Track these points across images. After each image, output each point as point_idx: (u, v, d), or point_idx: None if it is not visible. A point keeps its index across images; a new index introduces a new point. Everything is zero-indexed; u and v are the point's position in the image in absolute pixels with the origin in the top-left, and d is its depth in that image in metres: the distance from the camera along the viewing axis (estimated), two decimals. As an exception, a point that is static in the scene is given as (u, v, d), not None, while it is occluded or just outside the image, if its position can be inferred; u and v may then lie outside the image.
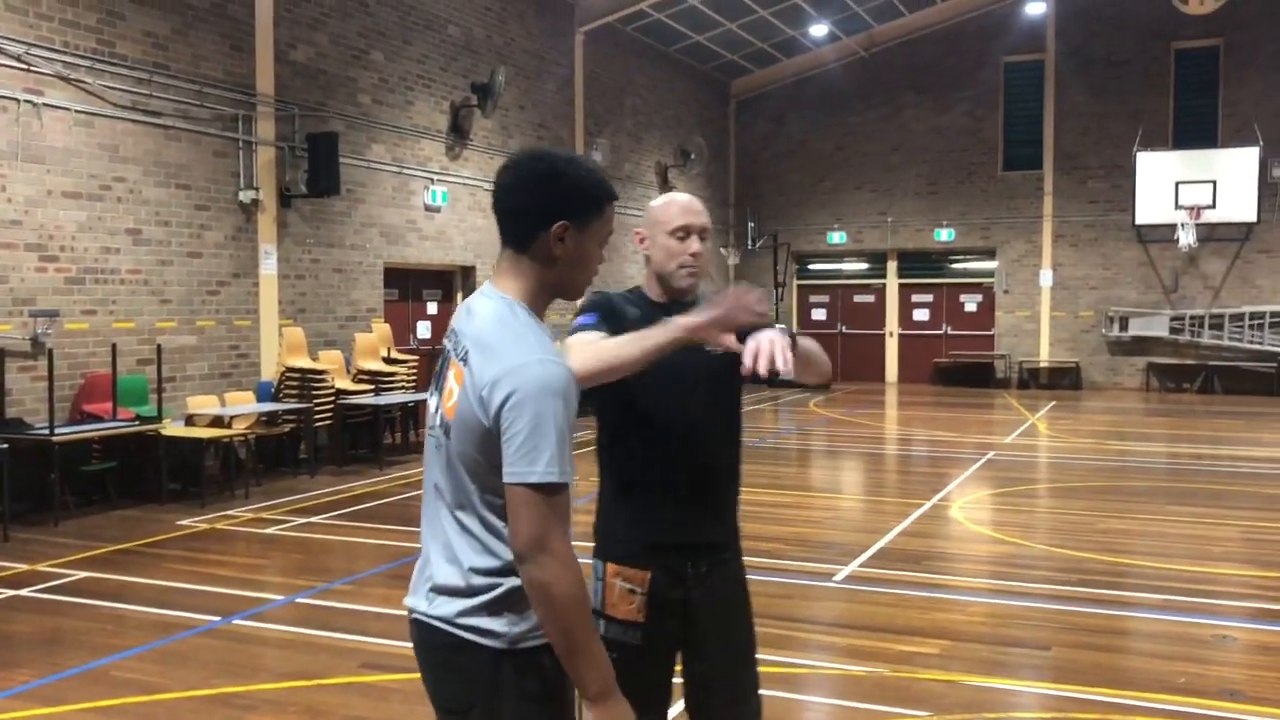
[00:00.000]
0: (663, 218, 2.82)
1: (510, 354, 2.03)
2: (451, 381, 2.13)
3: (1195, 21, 19.71)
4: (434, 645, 2.19)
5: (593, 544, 2.86)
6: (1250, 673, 5.23)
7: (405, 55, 13.98)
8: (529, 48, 16.65)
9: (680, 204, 2.85)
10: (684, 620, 2.78)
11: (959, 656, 5.41)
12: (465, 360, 2.10)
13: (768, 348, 2.49)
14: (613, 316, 2.72)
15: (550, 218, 2.11)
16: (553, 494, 1.99)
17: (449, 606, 2.15)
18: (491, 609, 2.10)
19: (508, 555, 2.07)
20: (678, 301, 2.80)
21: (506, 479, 2.00)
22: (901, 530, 8.40)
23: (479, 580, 2.11)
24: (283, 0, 11.98)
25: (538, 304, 2.17)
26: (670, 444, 2.75)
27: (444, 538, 2.18)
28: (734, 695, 2.83)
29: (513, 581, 2.08)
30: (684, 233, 2.80)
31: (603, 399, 2.74)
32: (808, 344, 2.76)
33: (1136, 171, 20.17)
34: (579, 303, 2.62)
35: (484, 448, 2.04)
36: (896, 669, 5.20)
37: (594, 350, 2.51)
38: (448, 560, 2.16)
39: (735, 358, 2.54)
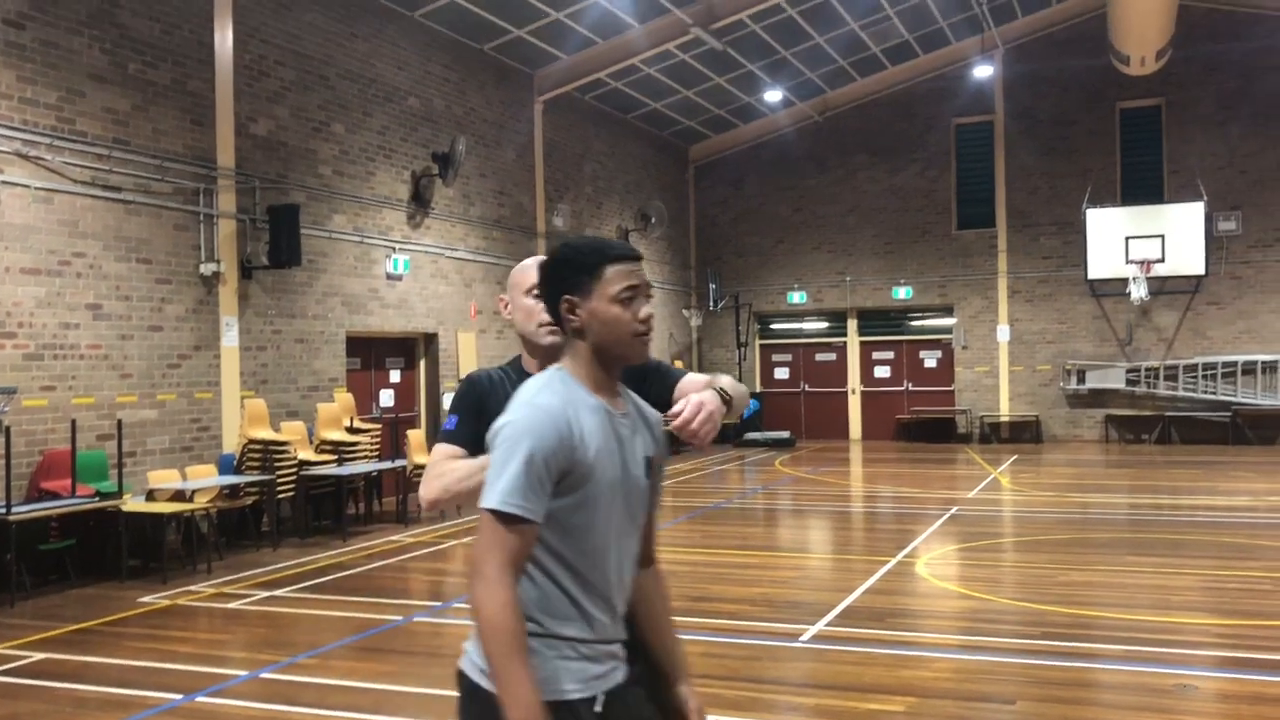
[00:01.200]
0: (519, 280, 2.86)
1: (513, 403, 2.21)
2: None
3: (1137, 82, 20.34)
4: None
5: None
6: (1212, 721, 5.28)
7: (366, 126, 14.12)
8: (489, 117, 16.87)
9: (533, 265, 2.83)
10: None
11: (926, 713, 5.43)
12: None
13: (704, 422, 2.48)
14: (479, 413, 2.66)
15: (557, 298, 2.29)
16: (504, 522, 2.09)
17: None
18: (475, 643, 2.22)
19: None
20: (546, 352, 2.78)
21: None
22: (867, 588, 8.44)
23: None
24: (243, 75, 12.10)
25: (596, 373, 2.29)
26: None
27: None
28: None
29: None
30: (539, 291, 2.79)
31: None
32: (731, 393, 2.66)
33: (1087, 227, 20.64)
34: (454, 400, 2.79)
35: None
36: (865, 728, 5.21)
37: (440, 484, 2.62)
38: None
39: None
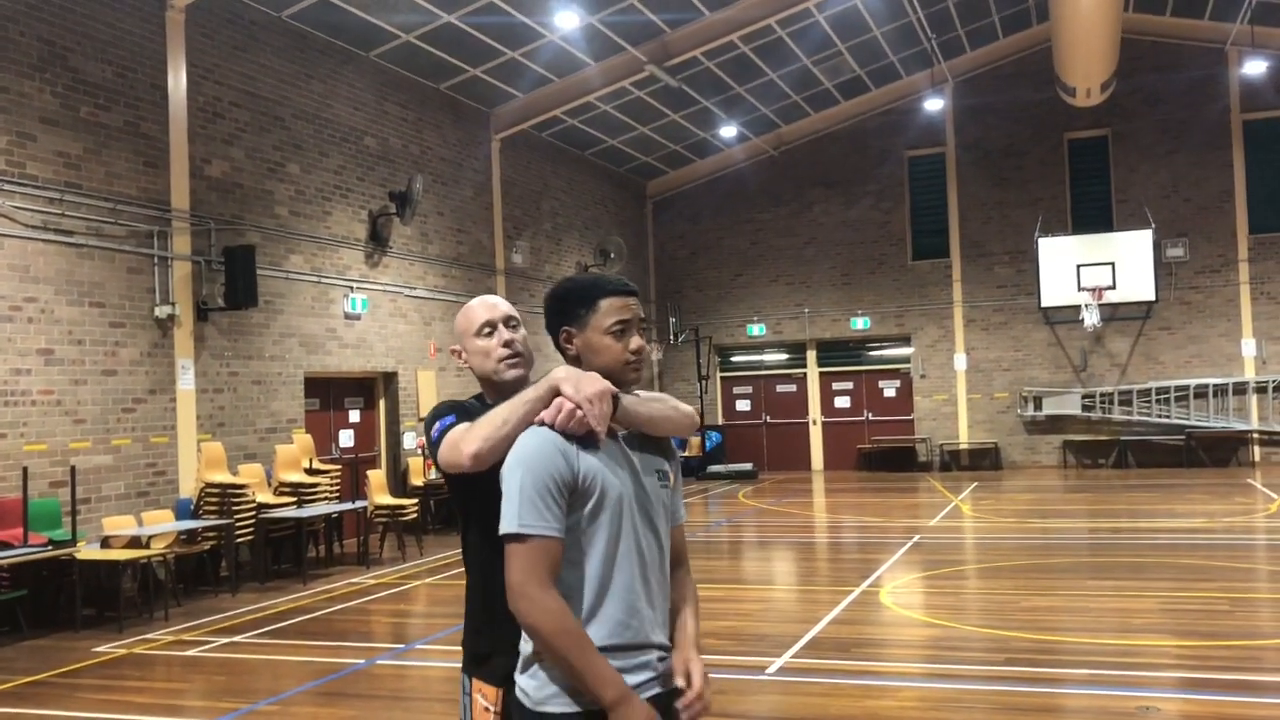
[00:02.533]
0: (465, 325, 2.83)
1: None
2: None
3: (1083, 113, 20.76)
4: None
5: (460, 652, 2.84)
6: (1175, 743, 5.32)
7: (322, 166, 14.09)
8: (446, 155, 16.90)
9: (478, 304, 2.85)
10: None
11: (893, 743, 5.43)
12: None
13: (566, 412, 2.38)
14: (469, 416, 2.67)
15: (556, 328, 2.51)
16: (526, 544, 2.27)
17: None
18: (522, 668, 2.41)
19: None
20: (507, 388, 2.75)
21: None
22: (832, 618, 8.45)
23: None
24: (197, 117, 12.05)
25: None
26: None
27: None
28: None
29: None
30: (489, 328, 2.79)
31: (462, 494, 2.72)
32: (639, 406, 2.54)
33: (1039, 256, 20.94)
34: (433, 417, 2.68)
35: None
36: (832, 760, 5.20)
37: (476, 434, 2.46)
38: None
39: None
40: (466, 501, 2.72)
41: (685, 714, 2.39)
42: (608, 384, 2.40)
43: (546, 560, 2.28)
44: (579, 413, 2.36)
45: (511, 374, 2.77)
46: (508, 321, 2.82)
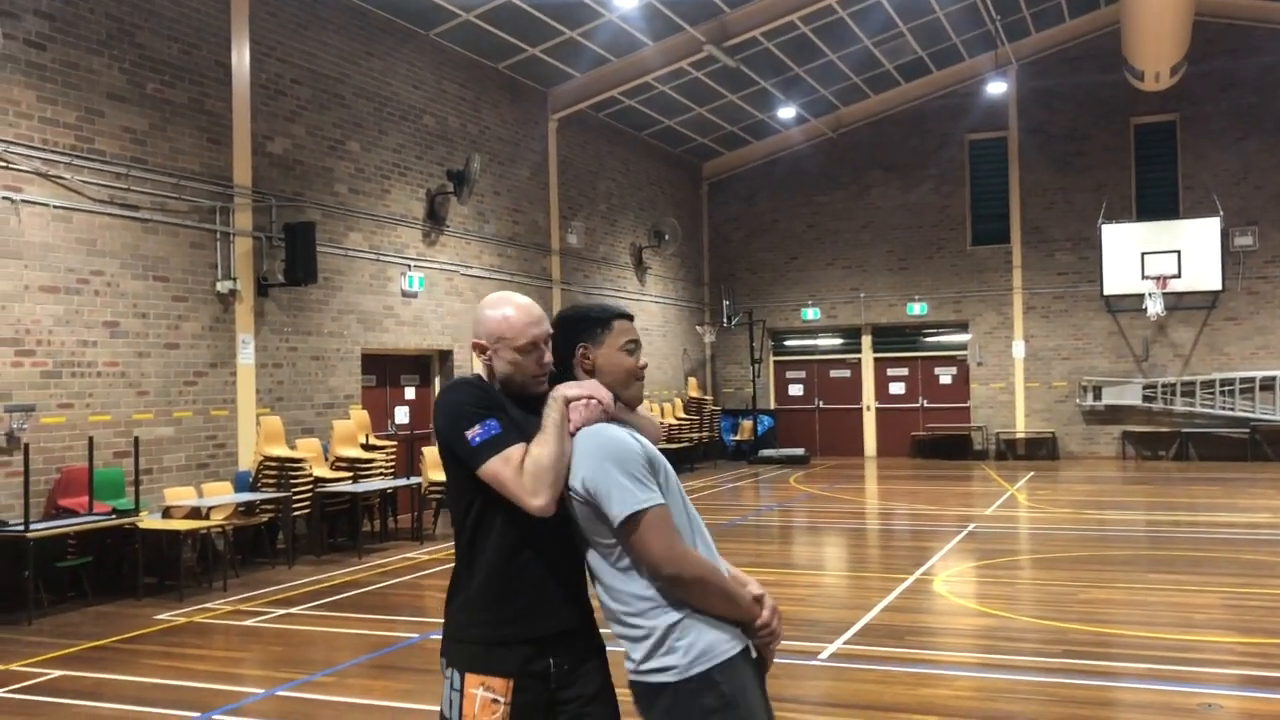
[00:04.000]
0: (507, 332, 2.75)
1: (581, 447, 2.68)
2: None
3: (1151, 97, 20.30)
4: None
5: (442, 648, 2.81)
6: (1238, 741, 5.22)
7: (381, 145, 14.19)
8: (503, 135, 16.93)
9: (524, 316, 2.77)
10: (550, 718, 2.73)
11: (947, 733, 5.37)
12: None
13: (581, 408, 2.68)
14: (501, 408, 2.70)
15: (572, 346, 2.76)
16: (643, 519, 2.55)
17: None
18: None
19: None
20: (527, 396, 2.77)
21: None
22: (885, 605, 8.39)
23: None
24: (259, 94, 12.17)
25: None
26: (537, 522, 2.64)
27: None
28: None
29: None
30: (533, 347, 2.76)
31: (458, 484, 2.71)
32: (627, 414, 2.78)
33: (1102, 243, 20.56)
34: (464, 403, 2.70)
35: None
36: (885, 747, 5.16)
37: (547, 480, 2.59)
38: None
39: None
40: (489, 498, 2.66)
41: (758, 638, 2.66)
42: (595, 381, 2.72)
43: (671, 523, 2.54)
44: (591, 402, 2.66)
45: (540, 389, 2.77)
46: (549, 340, 2.79)
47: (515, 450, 2.61)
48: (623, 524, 2.51)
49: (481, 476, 2.63)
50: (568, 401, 2.67)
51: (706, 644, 2.53)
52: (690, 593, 2.53)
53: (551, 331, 2.80)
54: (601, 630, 2.78)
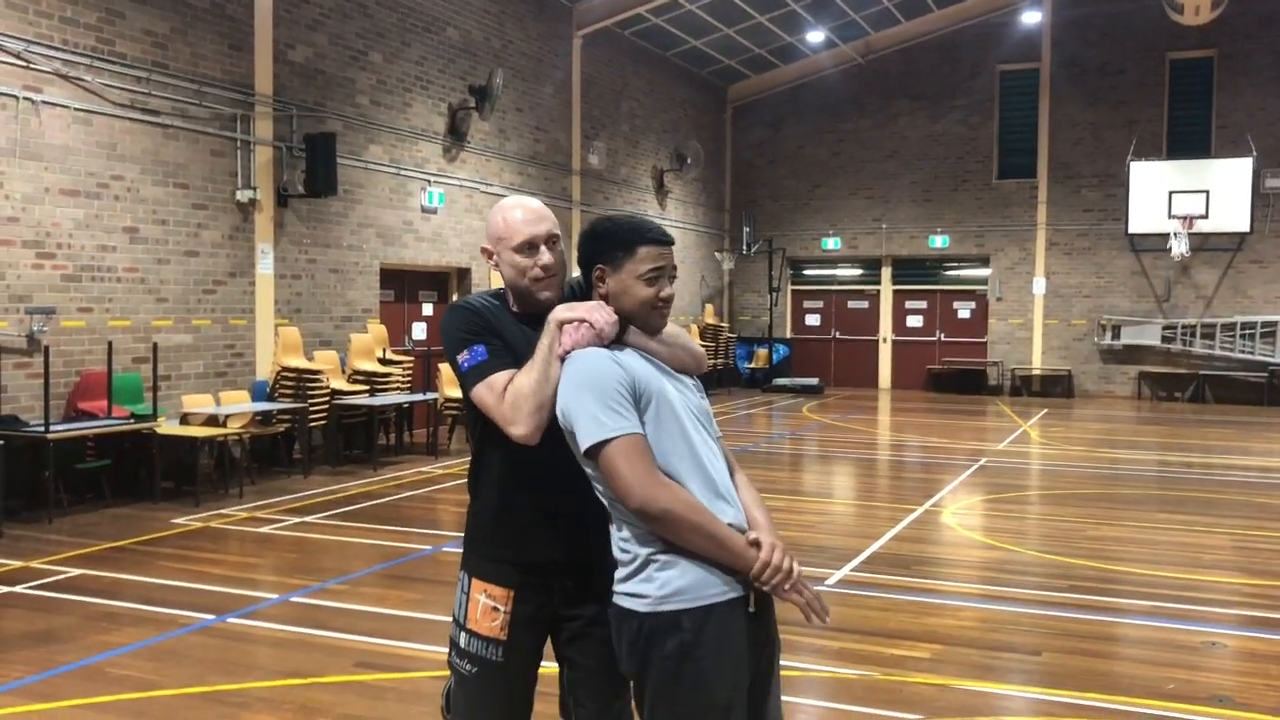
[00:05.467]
0: (505, 233, 2.69)
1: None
2: None
3: (1190, 32, 19.82)
4: None
5: (461, 553, 2.88)
6: (1239, 679, 5.27)
7: (403, 57, 14.01)
8: (527, 50, 16.69)
9: (523, 215, 2.70)
10: (549, 634, 2.76)
11: (950, 661, 5.44)
12: None
13: (571, 331, 2.52)
14: (494, 334, 2.66)
15: (590, 265, 2.59)
16: (613, 446, 2.37)
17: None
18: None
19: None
20: (540, 315, 2.64)
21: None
22: (894, 535, 8.44)
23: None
24: (282, 1, 12.00)
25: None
26: (536, 464, 2.63)
27: None
28: (603, 706, 2.76)
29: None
30: (530, 248, 2.68)
31: (468, 404, 2.71)
32: (652, 343, 2.61)
33: (1130, 180, 20.25)
34: (456, 328, 2.67)
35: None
36: (888, 673, 5.23)
37: (529, 407, 2.51)
38: None
39: None
40: (489, 422, 2.66)
41: (767, 582, 2.40)
42: (601, 303, 2.55)
43: (644, 453, 2.37)
44: (582, 326, 2.49)
45: (545, 295, 2.68)
46: (549, 240, 2.70)
47: (500, 377, 2.58)
48: (587, 453, 2.39)
49: (473, 401, 2.63)
50: (560, 325, 2.53)
51: (685, 584, 2.36)
52: (659, 527, 2.36)
53: (553, 231, 2.72)
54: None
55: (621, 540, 2.47)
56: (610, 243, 2.56)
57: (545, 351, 2.52)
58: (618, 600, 2.45)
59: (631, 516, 2.39)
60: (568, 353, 2.49)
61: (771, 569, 2.38)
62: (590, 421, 2.37)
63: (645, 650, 2.38)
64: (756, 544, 2.41)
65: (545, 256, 2.67)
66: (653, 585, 2.38)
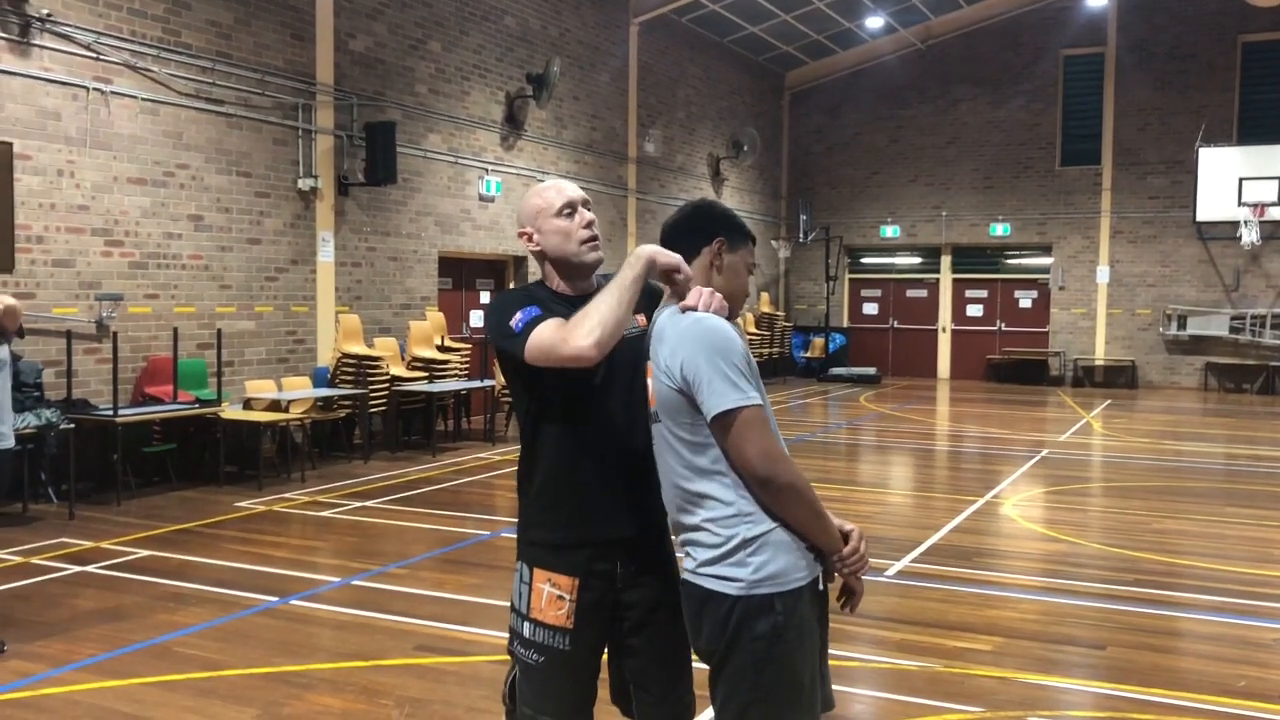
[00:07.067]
0: (542, 206, 2.76)
1: (684, 332, 2.55)
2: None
3: (1262, 14, 19.28)
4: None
5: (516, 541, 2.88)
6: (1311, 677, 5.14)
7: (462, 45, 14.08)
8: (584, 38, 16.69)
9: (550, 188, 2.80)
10: (613, 621, 2.76)
11: (1012, 653, 5.37)
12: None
13: (708, 296, 2.56)
14: (545, 305, 2.66)
15: (711, 235, 2.67)
16: (748, 414, 2.41)
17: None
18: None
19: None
20: (583, 295, 2.69)
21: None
22: (954, 526, 8.35)
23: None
24: (343, -10, 12.11)
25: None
26: (596, 433, 2.69)
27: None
28: (666, 692, 2.77)
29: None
30: (570, 209, 2.75)
31: (525, 385, 2.71)
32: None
33: (1198, 167, 19.78)
34: (505, 305, 2.67)
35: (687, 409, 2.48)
36: (949, 664, 5.18)
37: (592, 323, 2.48)
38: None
39: (648, 345, 2.61)
40: (550, 393, 2.67)
41: (847, 567, 2.55)
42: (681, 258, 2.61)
43: (769, 424, 2.44)
44: (718, 296, 2.57)
45: (593, 256, 2.75)
46: (586, 204, 2.79)
47: (558, 319, 2.57)
48: (717, 418, 2.38)
49: (528, 357, 2.56)
50: (652, 265, 2.55)
51: (779, 568, 2.42)
52: (781, 499, 2.40)
53: (587, 197, 2.81)
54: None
55: (707, 523, 2.47)
56: (734, 224, 2.72)
57: (627, 281, 2.53)
58: (701, 582, 2.47)
59: (731, 495, 2.44)
60: (690, 309, 2.51)
61: (859, 555, 2.53)
62: (726, 385, 2.38)
63: (736, 631, 2.41)
64: (846, 534, 2.55)
65: (587, 214, 2.77)
66: (746, 570, 2.42)
